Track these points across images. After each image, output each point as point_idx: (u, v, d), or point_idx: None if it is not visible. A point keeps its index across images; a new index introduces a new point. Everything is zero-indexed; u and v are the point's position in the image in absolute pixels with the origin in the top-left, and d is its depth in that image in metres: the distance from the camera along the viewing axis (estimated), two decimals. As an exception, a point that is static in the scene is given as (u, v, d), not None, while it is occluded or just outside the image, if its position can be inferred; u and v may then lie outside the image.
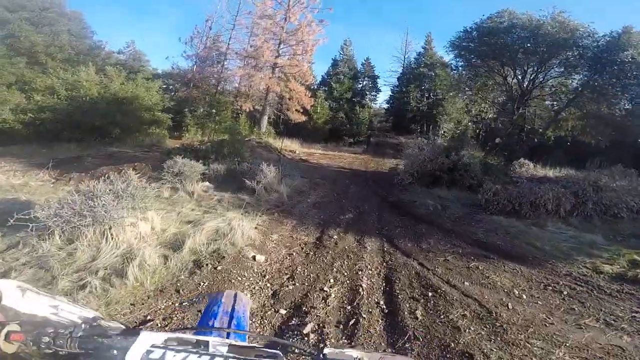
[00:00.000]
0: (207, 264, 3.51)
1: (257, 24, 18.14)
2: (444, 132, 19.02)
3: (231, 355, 0.76)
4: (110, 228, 3.61)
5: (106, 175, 4.20)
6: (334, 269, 3.68)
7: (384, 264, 3.95)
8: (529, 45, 13.88)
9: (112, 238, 3.57)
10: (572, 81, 14.72)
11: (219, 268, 3.48)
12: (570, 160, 13.03)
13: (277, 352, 0.78)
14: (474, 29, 15.58)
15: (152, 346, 0.73)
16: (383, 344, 2.45)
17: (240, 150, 9.25)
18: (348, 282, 3.42)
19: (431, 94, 26.59)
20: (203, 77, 19.66)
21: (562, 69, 14.37)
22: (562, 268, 3.95)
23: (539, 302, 3.13)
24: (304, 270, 3.65)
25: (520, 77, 15.28)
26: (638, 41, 11.93)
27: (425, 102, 26.23)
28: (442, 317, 2.78)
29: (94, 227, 3.56)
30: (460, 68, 17.48)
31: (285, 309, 2.86)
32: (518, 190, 7.00)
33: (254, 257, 3.85)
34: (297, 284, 3.33)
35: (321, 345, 2.20)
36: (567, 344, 2.44)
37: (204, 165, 7.25)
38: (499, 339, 2.48)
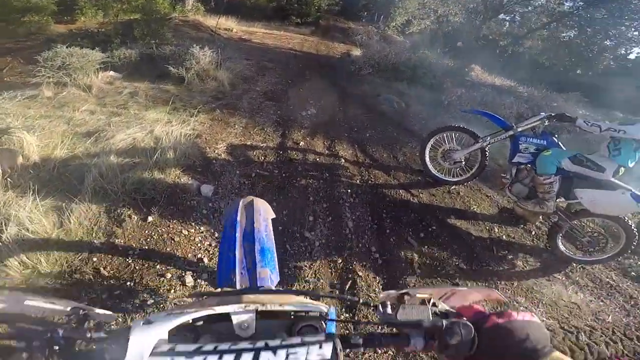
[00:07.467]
0: (129, 215, 2.34)
1: None
2: (394, 24, 16.99)
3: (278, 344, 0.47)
4: None
5: None
6: (310, 206, 2.91)
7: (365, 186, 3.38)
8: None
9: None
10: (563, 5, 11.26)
11: (149, 220, 2.36)
12: (512, 71, 12.74)
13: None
14: None
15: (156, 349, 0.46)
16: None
17: (158, 31, 6.98)
18: (330, 223, 2.75)
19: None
20: None
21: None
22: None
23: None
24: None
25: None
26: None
27: (383, -10, 22.55)
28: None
29: None
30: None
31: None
32: (481, 96, 6.70)
33: (198, 189, 2.77)
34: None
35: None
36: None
37: (103, 52, 5.25)
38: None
